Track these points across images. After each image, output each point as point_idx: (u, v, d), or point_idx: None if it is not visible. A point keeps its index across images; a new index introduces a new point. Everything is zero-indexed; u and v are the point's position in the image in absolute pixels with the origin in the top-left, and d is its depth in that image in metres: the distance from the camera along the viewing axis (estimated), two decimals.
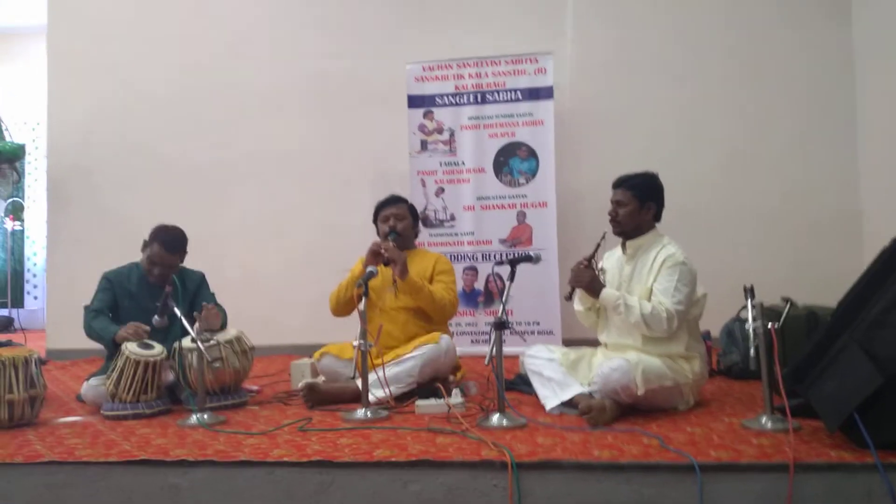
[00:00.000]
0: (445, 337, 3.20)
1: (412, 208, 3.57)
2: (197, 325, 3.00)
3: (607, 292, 2.85)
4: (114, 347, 3.12)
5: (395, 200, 3.50)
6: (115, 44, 5.49)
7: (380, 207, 3.49)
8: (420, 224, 3.67)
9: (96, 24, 5.53)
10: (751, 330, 2.46)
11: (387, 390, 2.98)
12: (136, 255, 3.42)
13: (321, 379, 3.35)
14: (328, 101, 5.26)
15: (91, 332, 3.23)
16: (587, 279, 2.87)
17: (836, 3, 4.88)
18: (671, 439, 2.31)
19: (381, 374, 2.97)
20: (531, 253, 3.07)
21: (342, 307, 3.37)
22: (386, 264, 3.21)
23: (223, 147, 5.33)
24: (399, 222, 3.40)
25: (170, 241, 3.33)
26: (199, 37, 5.43)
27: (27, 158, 6.89)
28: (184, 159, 5.34)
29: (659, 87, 5.01)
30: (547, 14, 5.12)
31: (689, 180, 4.83)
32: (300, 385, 3.35)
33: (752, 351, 2.43)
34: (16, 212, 7.43)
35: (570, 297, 3.00)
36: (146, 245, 3.36)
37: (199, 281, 3.49)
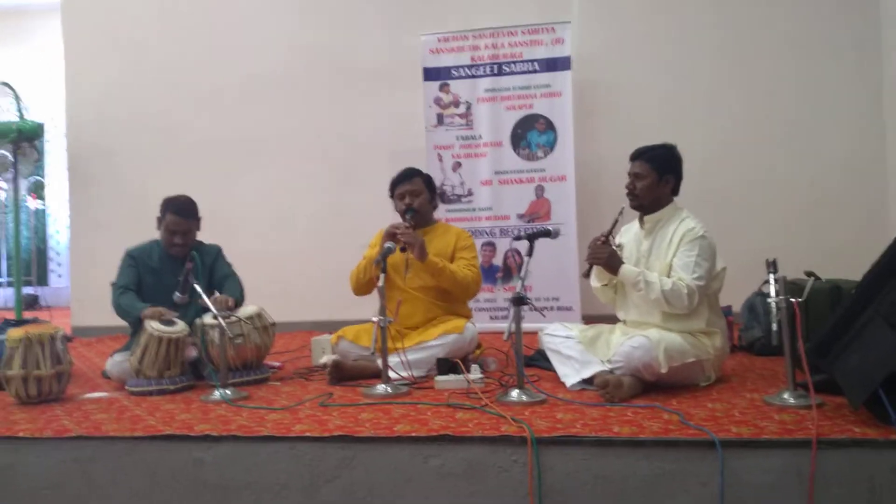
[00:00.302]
0: (470, 326, 3.18)
1: (429, 180, 3.46)
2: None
3: (626, 268, 2.82)
4: (139, 324, 3.17)
5: (409, 175, 3.38)
6: (129, 21, 5.48)
7: (395, 183, 3.39)
8: (438, 197, 3.57)
9: (111, 2, 5.51)
10: (773, 305, 2.43)
11: (409, 373, 2.99)
12: (156, 233, 3.45)
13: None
14: (342, 75, 5.22)
15: (119, 309, 3.29)
16: (605, 256, 2.83)
17: None
18: (692, 415, 2.31)
19: (403, 357, 2.98)
20: (549, 228, 3.03)
21: (363, 287, 3.33)
22: (403, 249, 3.12)
23: (240, 124, 5.33)
24: (415, 198, 3.31)
25: (181, 207, 3.37)
26: (214, 12, 5.41)
27: (46, 137, 6.94)
28: (202, 136, 5.35)
29: (680, 58, 4.91)
30: None
31: (710, 153, 4.76)
32: (321, 361, 3.38)
33: (774, 326, 2.40)
34: (37, 190, 7.51)
35: (587, 275, 2.97)
36: (160, 220, 3.40)
37: (216, 254, 3.51)
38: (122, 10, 5.50)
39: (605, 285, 3.02)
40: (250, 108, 5.33)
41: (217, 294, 3.16)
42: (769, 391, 2.60)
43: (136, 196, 5.20)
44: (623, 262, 2.84)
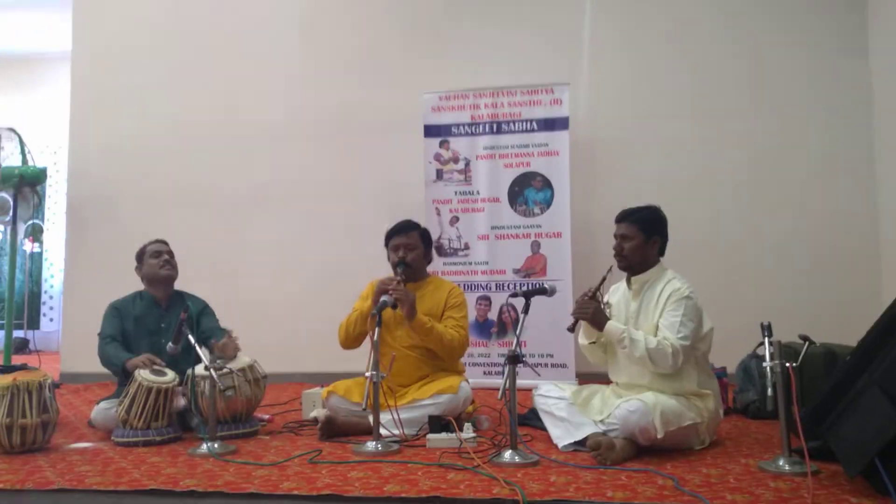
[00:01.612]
0: (464, 385, 3.13)
1: (424, 234, 3.42)
2: (209, 352, 3.01)
3: (612, 325, 2.82)
4: (124, 375, 3.14)
5: (405, 228, 3.34)
6: (137, 72, 5.60)
7: (389, 235, 3.36)
8: (433, 250, 3.56)
9: (119, 52, 5.65)
10: (768, 369, 2.42)
11: (400, 431, 2.94)
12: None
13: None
14: (344, 129, 5.31)
15: (104, 358, 3.29)
16: (591, 311, 2.84)
17: (852, 35, 4.87)
18: (686, 481, 2.27)
19: (395, 415, 2.94)
20: (546, 285, 3.03)
21: (351, 341, 3.30)
22: (393, 306, 3.07)
23: (240, 175, 5.39)
24: (409, 252, 3.28)
25: (155, 241, 3.54)
26: (219, 66, 5.53)
27: (48, 181, 6.99)
28: (202, 187, 5.41)
29: (674, 119, 5.02)
30: (563, 45, 5.17)
31: (704, 212, 4.83)
32: (311, 415, 3.34)
33: (769, 391, 2.39)
34: (35, 234, 7.53)
35: (572, 329, 2.96)
36: (140, 261, 3.50)
37: (202, 307, 3.54)
38: (131, 61, 5.62)
39: (593, 343, 3.00)
40: (251, 159, 5.40)
41: (230, 334, 3.18)
42: (764, 456, 2.57)
43: (133, 244, 5.11)
44: (609, 319, 2.84)
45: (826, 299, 4.65)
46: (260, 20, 5.54)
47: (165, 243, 3.55)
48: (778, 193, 4.87)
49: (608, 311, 2.92)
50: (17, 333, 7.42)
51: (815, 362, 2.91)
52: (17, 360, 5.41)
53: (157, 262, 3.44)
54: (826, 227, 4.80)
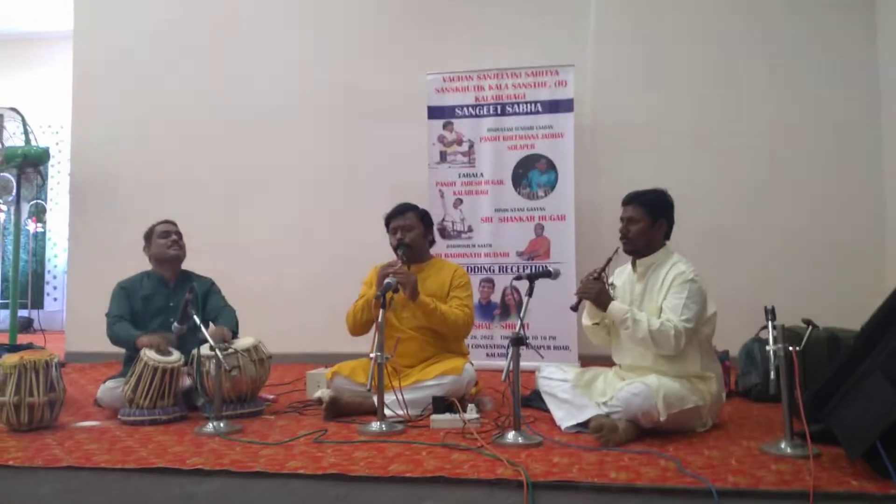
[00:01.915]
0: (468, 367, 3.16)
1: (424, 215, 3.44)
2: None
3: (615, 305, 2.83)
4: (136, 351, 3.16)
5: (402, 210, 3.37)
6: (140, 52, 5.57)
7: (389, 218, 3.39)
8: (434, 231, 3.56)
9: (122, 32, 5.62)
10: (771, 353, 2.43)
11: (404, 412, 2.97)
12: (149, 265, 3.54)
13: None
14: (347, 112, 5.29)
15: (114, 337, 3.31)
16: (595, 291, 2.84)
17: (861, 26, 4.82)
18: (688, 462, 2.29)
19: (399, 396, 2.96)
20: (550, 269, 3.03)
21: (360, 328, 3.32)
22: (396, 290, 3.08)
23: (243, 158, 5.38)
24: (407, 233, 3.31)
25: (164, 221, 3.55)
26: (222, 48, 5.50)
27: (51, 161, 6.99)
28: (204, 169, 5.40)
29: (680, 103, 4.99)
30: (568, 27, 5.13)
31: (709, 197, 4.82)
32: (316, 395, 3.36)
33: (772, 374, 2.40)
34: (38, 214, 7.54)
35: (575, 308, 2.95)
36: (148, 241, 3.51)
37: (209, 286, 3.57)
38: (133, 41, 5.59)
39: (597, 324, 3.01)
40: (255, 141, 5.38)
41: (213, 327, 3.17)
42: (766, 439, 2.59)
43: (136, 224, 5.14)
44: (613, 300, 2.84)
45: (830, 284, 4.65)
46: (263, 3, 5.49)
47: (174, 223, 3.56)
48: (784, 180, 4.85)
49: (613, 292, 2.92)
50: (22, 313, 7.45)
51: (818, 346, 2.93)
52: (22, 339, 5.45)
53: (165, 241, 3.45)
54: (832, 214, 4.79)
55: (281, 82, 5.40)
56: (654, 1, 5.07)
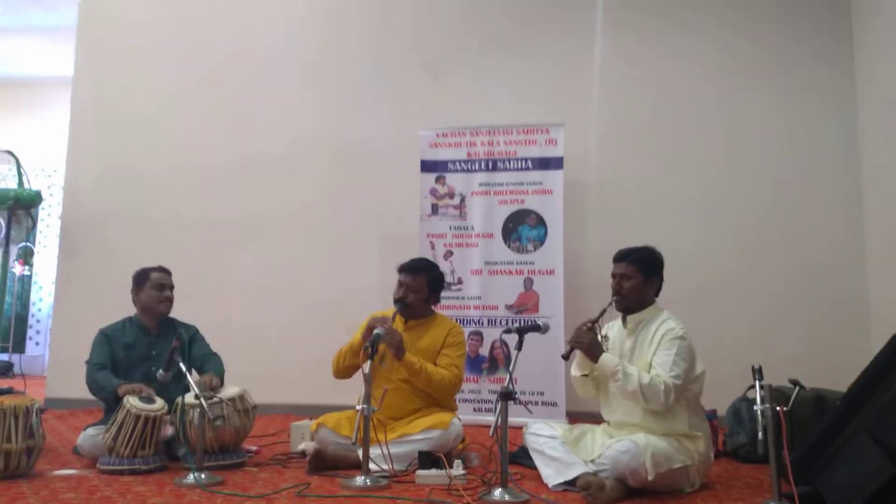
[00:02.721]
0: (455, 421, 3.13)
1: (433, 280, 3.39)
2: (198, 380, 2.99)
3: (606, 357, 2.83)
4: (115, 402, 3.11)
5: (414, 269, 3.35)
6: (137, 99, 5.63)
7: (401, 269, 3.38)
8: (440, 293, 3.51)
9: (121, 79, 5.69)
10: (759, 413, 2.43)
11: (390, 466, 2.92)
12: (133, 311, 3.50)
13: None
14: (342, 162, 5.34)
15: (94, 385, 3.25)
16: (588, 341, 2.85)
17: (839, 84, 4.99)
18: None
19: (384, 450, 2.92)
20: (539, 322, 3.03)
21: (342, 372, 3.31)
22: (382, 341, 3.07)
23: (235, 205, 5.39)
24: (410, 293, 3.30)
25: (159, 268, 3.49)
26: (219, 99, 5.56)
27: (41, 204, 7.00)
28: (196, 214, 5.40)
29: (668, 161, 5.09)
30: (559, 86, 5.26)
31: (696, 255, 4.87)
32: (300, 448, 3.31)
33: (760, 434, 2.40)
34: (26, 257, 7.49)
35: (567, 357, 2.95)
36: (138, 285, 3.45)
37: (193, 333, 3.53)
38: (131, 88, 5.64)
39: (585, 376, 3.00)
40: (247, 189, 5.41)
41: (198, 375, 3.14)
42: (755, 501, 2.57)
43: (125, 270, 5.10)
44: (604, 351, 2.85)
45: (816, 344, 4.67)
46: (261, 54, 5.61)
47: (169, 274, 3.50)
48: (771, 240, 4.92)
49: (605, 344, 2.93)
50: (2, 356, 7.33)
51: (804, 407, 2.93)
52: (1, 383, 5.34)
53: (158, 295, 3.41)
54: (817, 275, 4.83)
55: (276, 131, 5.46)
56: (642, 63, 5.22)
